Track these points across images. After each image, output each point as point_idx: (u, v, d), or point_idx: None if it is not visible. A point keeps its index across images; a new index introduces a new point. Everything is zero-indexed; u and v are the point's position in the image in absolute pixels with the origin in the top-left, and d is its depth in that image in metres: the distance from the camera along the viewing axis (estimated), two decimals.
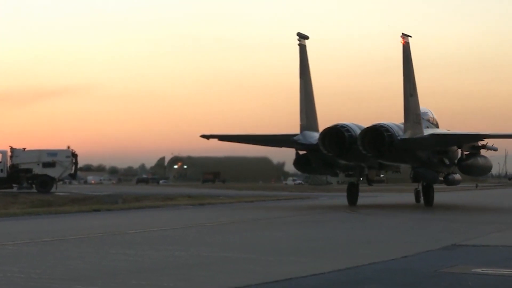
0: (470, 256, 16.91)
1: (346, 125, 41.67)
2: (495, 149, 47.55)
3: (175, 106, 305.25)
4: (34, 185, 74.56)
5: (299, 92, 45.04)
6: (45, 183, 74.06)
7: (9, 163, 74.23)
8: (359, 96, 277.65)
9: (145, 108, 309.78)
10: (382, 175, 48.83)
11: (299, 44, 45.49)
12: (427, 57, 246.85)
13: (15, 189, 74.12)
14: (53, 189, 74.34)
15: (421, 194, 45.26)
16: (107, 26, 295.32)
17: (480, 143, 44.98)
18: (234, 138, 50.62)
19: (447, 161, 44.20)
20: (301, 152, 45.35)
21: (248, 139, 50.59)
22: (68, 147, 77.60)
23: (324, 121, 45.84)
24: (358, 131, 40.82)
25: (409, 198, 50.04)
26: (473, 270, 13.87)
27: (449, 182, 46.06)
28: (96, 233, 23.01)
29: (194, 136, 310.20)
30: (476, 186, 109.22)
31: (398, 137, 40.05)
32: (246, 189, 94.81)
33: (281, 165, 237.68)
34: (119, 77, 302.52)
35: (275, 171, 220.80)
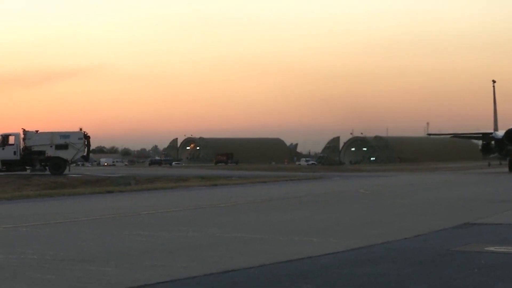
0: (483, 234, 16.86)
1: None
2: None
3: (187, 87, 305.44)
4: (47, 167, 74.80)
5: (493, 111, 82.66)
6: (58, 165, 74.23)
7: (22, 146, 74.48)
8: None
9: (157, 89, 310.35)
10: None
11: (493, 86, 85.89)
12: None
13: (28, 171, 74.38)
14: (66, 171, 74.55)
15: None
16: (118, 5, 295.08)
17: None
18: (455, 136, 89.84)
19: None
20: (483, 142, 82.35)
21: (462, 136, 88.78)
22: (80, 129, 77.64)
23: None
24: None
25: None
26: (486, 248, 13.84)
27: None
28: (109, 215, 23.11)
29: (206, 117, 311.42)
30: None
31: None
32: (259, 170, 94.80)
33: (294, 146, 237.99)
34: (130, 58, 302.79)
35: (288, 152, 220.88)
